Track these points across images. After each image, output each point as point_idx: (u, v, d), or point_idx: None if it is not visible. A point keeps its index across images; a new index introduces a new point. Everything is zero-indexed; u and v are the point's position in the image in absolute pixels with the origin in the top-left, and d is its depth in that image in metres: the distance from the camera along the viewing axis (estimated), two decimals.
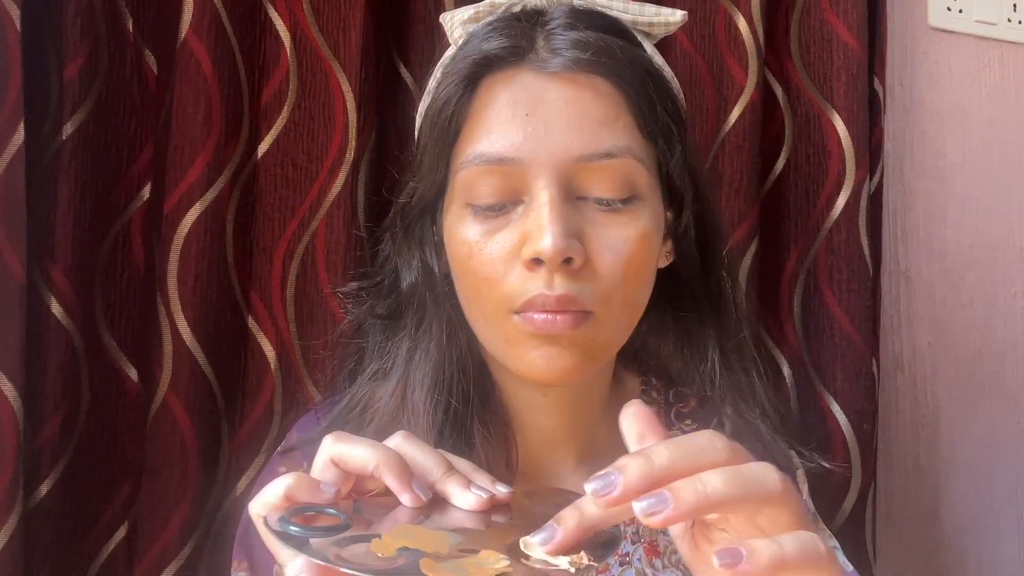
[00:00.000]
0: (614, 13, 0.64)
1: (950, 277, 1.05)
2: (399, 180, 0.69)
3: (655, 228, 0.61)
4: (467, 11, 0.64)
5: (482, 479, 0.47)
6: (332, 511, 0.45)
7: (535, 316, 0.57)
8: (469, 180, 0.59)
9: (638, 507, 0.39)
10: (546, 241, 0.55)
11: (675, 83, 0.66)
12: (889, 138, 1.00)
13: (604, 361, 0.64)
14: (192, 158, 0.78)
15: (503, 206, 0.59)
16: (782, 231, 0.93)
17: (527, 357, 0.58)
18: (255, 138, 0.84)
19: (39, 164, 0.76)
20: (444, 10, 0.86)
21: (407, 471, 0.46)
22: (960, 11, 1.05)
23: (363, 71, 0.83)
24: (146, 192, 0.83)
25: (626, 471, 0.40)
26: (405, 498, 0.46)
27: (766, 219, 0.91)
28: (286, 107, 0.84)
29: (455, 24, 0.65)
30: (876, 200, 0.94)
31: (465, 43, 0.63)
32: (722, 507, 0.40)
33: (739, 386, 0.68)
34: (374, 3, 0.84)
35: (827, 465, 0.71)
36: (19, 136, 0.72)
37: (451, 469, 0.47)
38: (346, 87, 0.83)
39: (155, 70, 0.83)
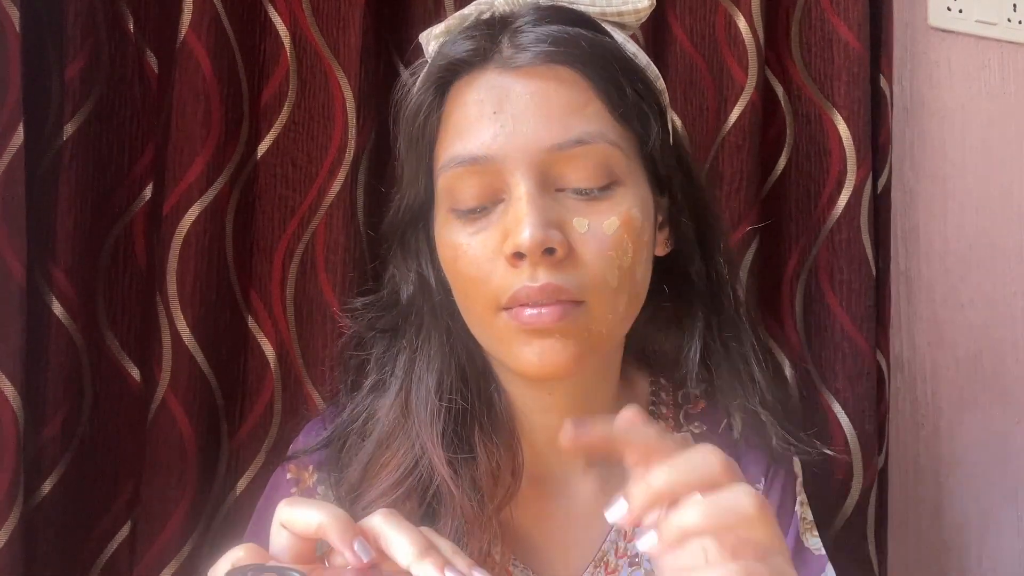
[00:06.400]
0: (581, 7, 0.64)
1: (950, 277, 1.05)
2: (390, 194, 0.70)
3: (640, 212, 0.60)
4: (439, 26, 0.65)
5: (460, 562, 0.46)
6: (296, 573, 0.45)
7: (523, 312, 0.57)
8: (449, 184, 0.60)
9: (637, 543, 0.47)
10: (524, 233, 0.55)
11: (652, 69, 0.66)
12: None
13: (605, 350, 0.64)
14: (191, 158, 0.78)
15: (484, 207, 0.59)
16: (783, 231, 0.92)
17: (520, 355, 0.58)
18: (255, 138, 0.84)
19: (40, 165, 0.76)
20: (443, 10, 0.86)
21: (350, 531, 0.46)
22: (960, 11, 1.05)
23: (363, 70, 0.83)
24: (148, 192, 0.83)
25: (631, 499, 0.46)
26: (348, 557, 0.45)
27: (767, 219, 0.90)
28: (286, 107, 0.84)
29: (430, 39, 0.66)
30: (884, 199, 0.94)
31: (435, 54, 0.64)
32: (702, 535, 0.45)
33: (738, 373, 0.68)
34: (373, 3, 0.84)
35: (828, 451, 0.72)
36: (19, 137, 0.72)
37: (429, 549, 0.46)
38: (345, 86, 0.83)
39: (156, 70, 0.83)
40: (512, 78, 0.59)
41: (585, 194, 0.58)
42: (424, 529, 0.48)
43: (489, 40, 0.61)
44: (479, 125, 0.59)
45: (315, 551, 0.48)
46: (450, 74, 0.62)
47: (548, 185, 0.58)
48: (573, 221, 0.58)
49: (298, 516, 0.47)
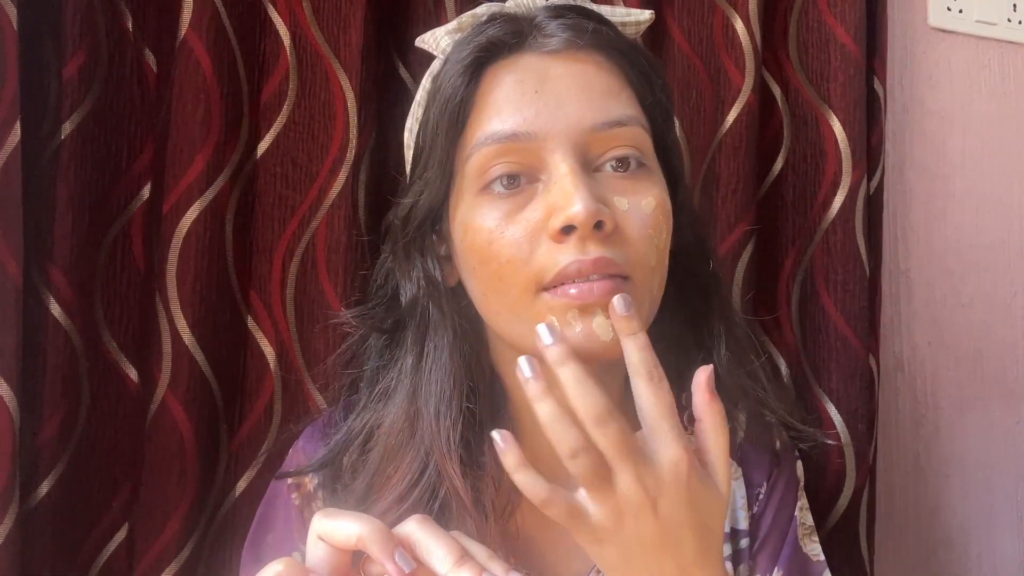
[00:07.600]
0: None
1: (950, 277, 1.05)
2: (393, 200, 0.68)
3: (667, 198, 0.61)
4: (449, 25, 0.65)
5: (497, 568, 0.46)
6: None
7: (569, 289, 0.56)
8: (482, 163, 0.59)
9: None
10: (577, 206, 0.55)
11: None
12: (889, 138, 1.00)
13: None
14: (191, 157, 0.78)
15: (519, 187, 0.59)
16: (780, 232, 0.92)
17: (564, 336, 0.56)
18: (255, 137, 0.84)
19: (38, 163, 0.76)
20: (444, 10, 0.86)
21: (390, 542, 0.46)
22: (960, 11, 1.05)
23: (364, 70, 0.83)
24: (147, 192, 0.82)
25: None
26: (390, 568, 0.46)
27: (763, 220, 0.90)
28: (286, 106, 0.84)
29: (439, 38, 0.65)
30: (876, 200, 0.94)
31: (463, 39, 0.63)
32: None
33: (742, 375, 0.68)
34: (374, 2, 0.84)
35: (827, 440, 0.74)
36: (15, 135, 0.71)
37: (464, 557, 0.46)
38: (347, 86, 0.82)
39: (156, 69, 0.83)
40: (550, 61, 0.60)
41: (623, 170, 0.59)
42: (455, 534, 0.48)
43: (521, 24, 0.62)
44: (521, 103, 0.59)
45: (351, 562, 0.48)
46: (486, 54, 0.61)
47: (587, 165, 0.59)
48: (613, 199, 0.58)
49: (337, 528, 0.47)
